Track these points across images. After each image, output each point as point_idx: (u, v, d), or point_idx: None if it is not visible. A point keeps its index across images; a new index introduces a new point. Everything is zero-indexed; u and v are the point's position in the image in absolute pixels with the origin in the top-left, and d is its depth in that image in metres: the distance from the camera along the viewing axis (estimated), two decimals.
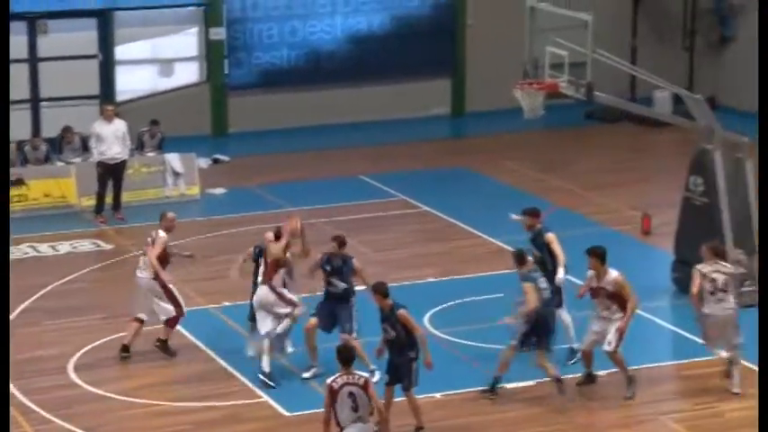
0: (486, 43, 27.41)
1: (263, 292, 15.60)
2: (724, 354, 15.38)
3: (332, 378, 12.45)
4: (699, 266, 15.36)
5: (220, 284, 18.02)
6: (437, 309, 17.46)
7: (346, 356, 12.53)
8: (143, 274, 16.31)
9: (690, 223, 18.09)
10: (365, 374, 12.53)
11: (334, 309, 15.60)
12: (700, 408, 15.03)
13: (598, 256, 15.02)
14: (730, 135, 18.21)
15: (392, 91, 27.40)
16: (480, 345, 16.40)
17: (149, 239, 16.38)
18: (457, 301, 17.74)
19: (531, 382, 15.54)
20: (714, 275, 15.22)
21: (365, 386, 12.34)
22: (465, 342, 16.54)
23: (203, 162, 24.28)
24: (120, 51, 26.12)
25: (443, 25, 27.49)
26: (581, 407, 15.08)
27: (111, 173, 21.57)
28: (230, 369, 16.03)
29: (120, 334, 16.67)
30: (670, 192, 20.65)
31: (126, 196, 21.96)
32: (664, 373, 16.07)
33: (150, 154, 22.89)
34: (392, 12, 27.22)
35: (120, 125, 21.60)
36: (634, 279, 17.85)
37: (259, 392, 15.42)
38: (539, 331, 14.96)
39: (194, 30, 26.84)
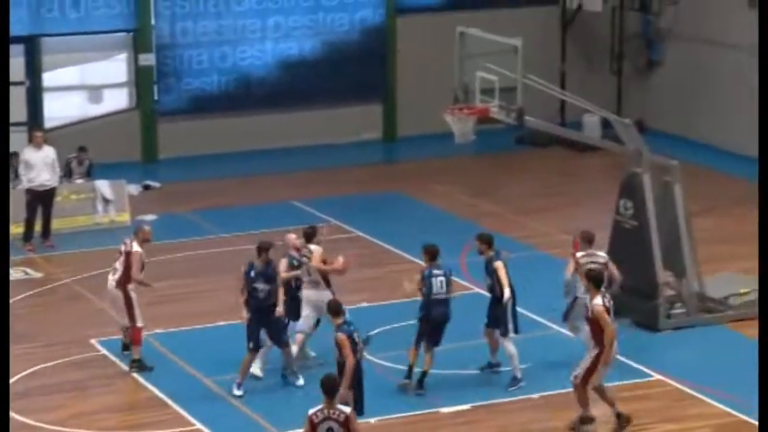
0: (416, 68, 27.53)
1: (324, 294, 16.11)
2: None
3: (313, 410, 12.04)
4: (578, 256, 16.44)
5: (153, 311, 17.88)
6: (371, 333, 17.40)
7: (329, 387, 12.09)
8: (111, 282, 16.57)
9: (620, 246, 18.24)
10: (347, 410, 12.14)
11: (260, 325, 15.70)
12: (632, 430, 15.11)
13: (591, 279, 14.86)
14: (659, 158, 18.42)
15: (323, 116, 27.42)
16: (416, 370, 16.40)
17: (123, 247, 16.54)
18: (391, 326, 17.75)
19: (466, 406, 15.59)
20: (591, 266, 16.08)
21: (346, 422, 11.98)
22: (399, 367, 16.53)
23: (133, 189, 24.12)
24: (48, 78, 25.91)
25: (374, 50, 27.58)
26: (516, 430, 15.10)
27: (41, 200, 21.37)
28: (163, 397, 15.90)
29: (52, 363, 16.52)
30: (600, 215, 20.82)
31: (55, 224, 21.76)
32: (595, 395, 16.12)
33: (79, 181, 22.71)
34: (322, 37, 27.27)
35: (49, 152, 21.43)
36: (564, 302, 18.05)
37: (192, 420, 15.31)
38: (430, 331, 15.73)
39: (123, 56, 26.70)
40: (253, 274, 15.82)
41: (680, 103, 27.86)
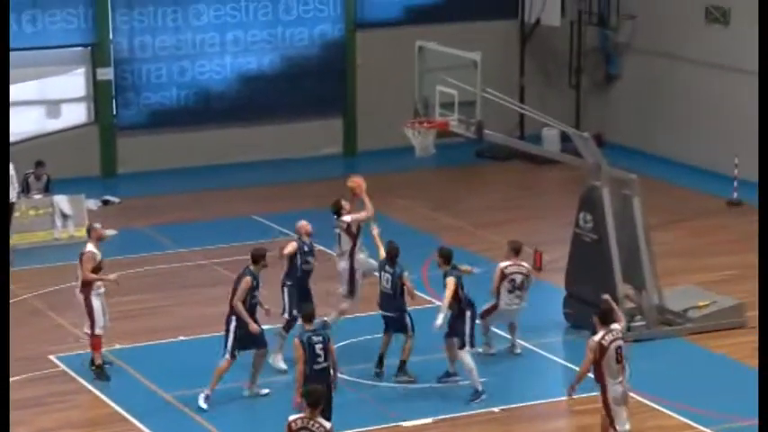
0: (376, 82, 27.57)
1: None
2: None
3: (294, 417, 12.12)
4: (502, 265, 17.02)
5: (112, 326, 17.78)
6: (335, 347, 17.40)
7: (314, 399, 12.12)
8: (76, 289, 16.74)
9: (580, 259, 18.33)
10: (327, 425, 12.09)
11: (248, 330, 15.92)
12: None
13: (599, 315, 14.21)
14: (617, 172, 18.52)
15: (283, 131, 27.40)
16: (378, 384, 16.42)
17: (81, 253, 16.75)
18: (354, 340, 17.73)
19: (427, 420, 15.60)
20: (514, 276, 16.91)
21: None
22: (363, 381, 16.54)
23: (92, 204, 24.02)
24: None
25: (334, 65, 27.60)
26: None
27: None
28: (123, 412, 15.81)
29: (11, 379, 16.38)
30: (560, 228, 20.92)
31: (14, 239, 21.62)
32: (557, 408, 16.21)
33: (37, 196, 22.58)
34: (282, 51, 27.26)
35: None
36: (527, 315, 18.12)
37: None
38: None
39: (81, 70, 26.59)
40: (255, 283, 15.88)
41: (638, 117, 28.04)
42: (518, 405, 16.05)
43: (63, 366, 17.10)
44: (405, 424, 15.50)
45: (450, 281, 16.02)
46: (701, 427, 15.40)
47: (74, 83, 26.62)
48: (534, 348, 17.64)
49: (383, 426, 15.45)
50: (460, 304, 16.02)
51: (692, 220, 23.58)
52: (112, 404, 16.02)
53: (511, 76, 27.93)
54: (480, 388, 16.02)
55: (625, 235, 18.15)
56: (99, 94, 26.43)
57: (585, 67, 28.60)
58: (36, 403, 16.13)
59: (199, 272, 20.82)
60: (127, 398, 16.12)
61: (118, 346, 17.65)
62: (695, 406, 15.85)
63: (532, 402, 16.14)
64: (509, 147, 21.85)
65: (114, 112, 26.53)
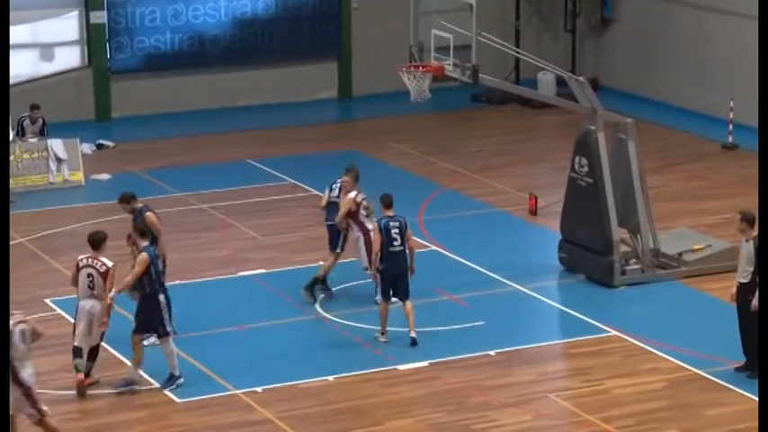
0: (371, 26, 27.43)
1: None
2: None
3: (81, 257, 14.74)
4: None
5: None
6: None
7: (94, 241, 14.72)
8: None
9: (575, 203, 18.34)
10: (110, 263, 14.59)
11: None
12: (587, 385, 15.25)
13: None
14: (613, 116, 18.49)
15: (278, 74, 27.29)
16: (372, 327, 16.46)
17: None
18: (349, 284, 17.76)
19: (423, 363, 15.67)
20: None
21: (105, 273, 14.60)
22: (356, 324, 16.58)
23: (87, 147, 23.96)
24: None
25: (329, 8, 27.44)
26: (474, 386, 15.21)
27: None
28: (119, 356, 15.86)
29: None
30: (556, 172, 20.92)
31: (9, 182, 21.56)
32: (551, 351, 16.29)
33: (32, 140, 22.52)
34: None
35: None
36: (523, 258, 18.12)
37: (150, 380, 15.28)
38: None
39: (74, 13, 26.43)
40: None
41: (633, 61, 27.94)
42: (514, 348, 16.11)
43: (59, 310, 17.12)
44: (401, 367, 15.56)
45: (145, 257, 14.92)
46: (695, 369, 15.47)
47: (67, 26, 26.46)
48: (529, 292, 17.69)
49: (380, 369, 15.50)
50: (152, 284, 14.98)
51: (687, 163, 23.58)
52: (108, 347, 16.04)
53: (506, 19, 27.80)
54: (177, 373, 15.13)
55: (620, 179, 18.14)
56: (92, 38, 26.29)
57: (581, 10, 28.45)
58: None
59: (194, 216, 20.81)
60: (123, 342, 16.12)
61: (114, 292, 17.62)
62: (689, 348, 15.92)
63: (529, 345, 16.20)
64: (505, 91, 21.77)
65: (108, 56, 26.40)
